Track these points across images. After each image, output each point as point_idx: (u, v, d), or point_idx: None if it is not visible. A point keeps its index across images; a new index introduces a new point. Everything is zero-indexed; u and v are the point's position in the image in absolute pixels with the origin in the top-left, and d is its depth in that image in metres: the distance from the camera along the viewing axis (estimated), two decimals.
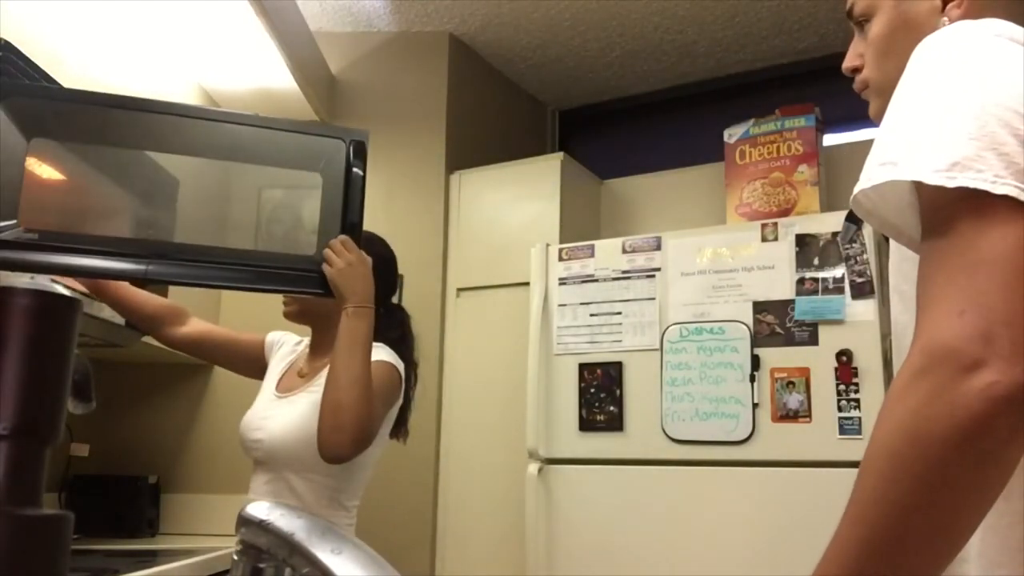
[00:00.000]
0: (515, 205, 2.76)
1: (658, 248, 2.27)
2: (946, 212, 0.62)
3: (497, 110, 3.29)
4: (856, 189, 0.69)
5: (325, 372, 1.65)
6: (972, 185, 0.60)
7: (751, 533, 2.00)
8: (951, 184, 0.61)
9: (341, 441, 1.55)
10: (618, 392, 2.24)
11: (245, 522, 0.54)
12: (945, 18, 0.83)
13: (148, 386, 2.74)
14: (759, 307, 2.09)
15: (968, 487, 0.58)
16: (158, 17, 2.22)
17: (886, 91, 0.80)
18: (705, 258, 2.20)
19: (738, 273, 2.14)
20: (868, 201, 0.70)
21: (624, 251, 2.32)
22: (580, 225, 2.79)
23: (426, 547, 2.61)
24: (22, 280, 0.52)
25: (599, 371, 2.27)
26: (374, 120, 2.93)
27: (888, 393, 0.63)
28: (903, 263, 0.82)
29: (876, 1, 0.91)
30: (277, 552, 0.51)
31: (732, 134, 2.49)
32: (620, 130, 3.53)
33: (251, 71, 2.52)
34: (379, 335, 1.73)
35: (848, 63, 0.97)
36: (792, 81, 3.14)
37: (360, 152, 1.49)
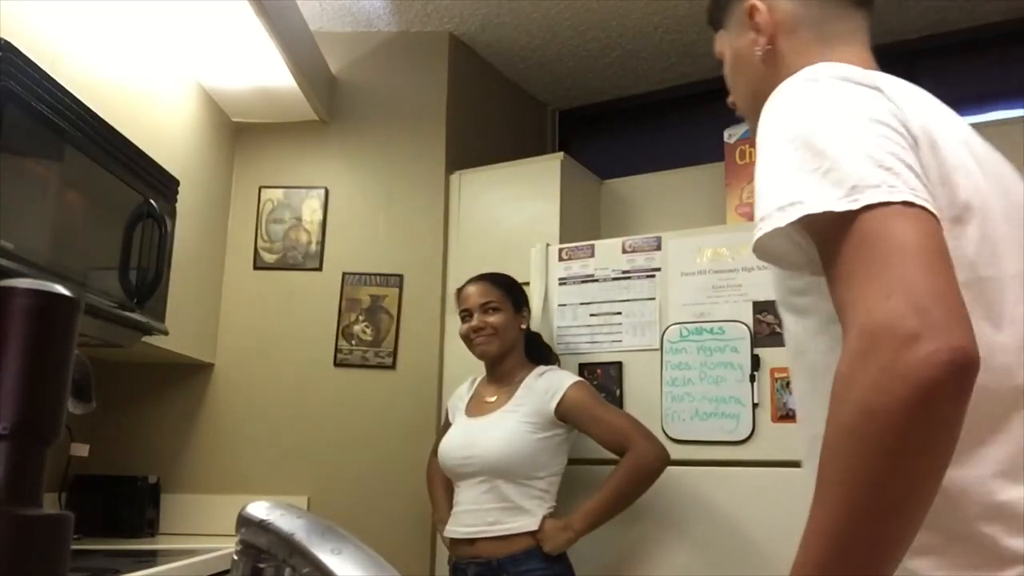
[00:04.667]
0: (515, 205, 2.76)
1: (658, 248, 2.27)
2: (854, 225, 0.69)
3: (497, 110, 3.29)
4: (767, 228, 0.74)
5: (515, 395, 2.10)
6: (876, 200, 0.68)
7: (751, 533, 2.00)
8: (856, 206, 0.68)
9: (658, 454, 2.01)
10: (618, 392, 2.24)
11: (245, 522, 0.54)
12: (758, 48, 1.00)
13: (148, 386, 2.74)
14: (759, 307, 2.09)
15: (927, 450, 0.63)
16: (158, 17, 2.22)
17: (746, 112, 1.05)
18: (705, 258, 2.20)
19: (738, 273, 2.14)
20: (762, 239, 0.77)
21: (624, 251, 2.32)
22: (580, 225, 2.79)
23: (426, 547, 2.61)
24: (22, 280, 0.52)
25: (599, 371, 2.27)
26: (374, 120, 2.93)
27: (835, 381, 0.66)
28: (787, 279, 0.88)
29: (723, 46, 1.10)
30: (277, 552, 0.51)
31: (732, 134, 2.49)
32: (620, 130, 3.53)
33: (251, 71, 2.52)
34: (544, 360, 2.22)
35: (731, 98, 1.12)
36: None
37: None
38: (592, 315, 2.33)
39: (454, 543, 2.09)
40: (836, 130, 0.75)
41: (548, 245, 2.44)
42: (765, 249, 0.79)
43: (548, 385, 2.08)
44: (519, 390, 2.11)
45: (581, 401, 2.05)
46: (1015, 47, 2.85)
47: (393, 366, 2.75)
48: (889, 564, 0.65)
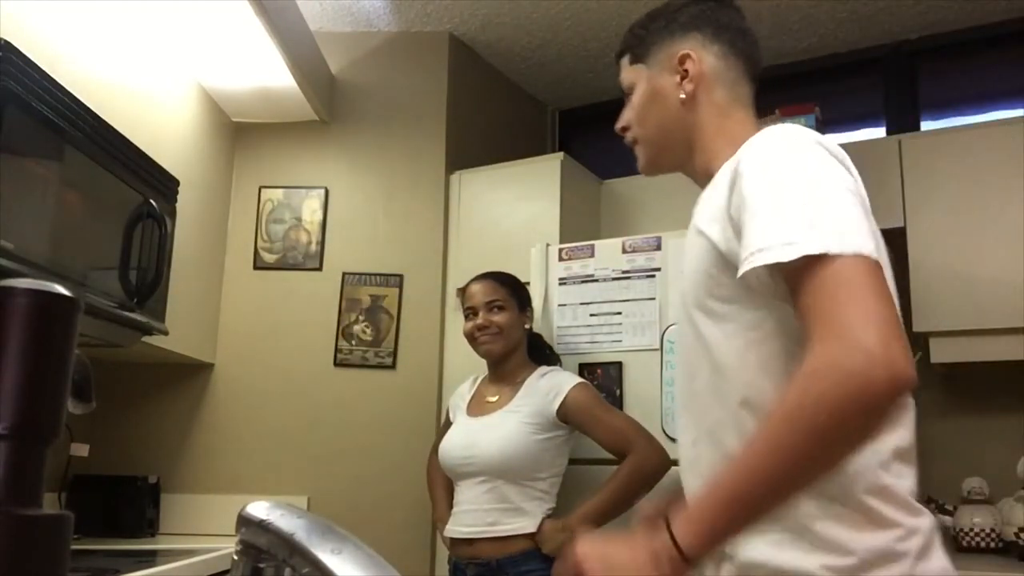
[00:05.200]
0: (515, 205, 2.76)
1: (658, 248, 2.27)
2: (836, 265, 0.87)
3: (497, 110, 3.29)
4: (770, 259, 0.90)
5: (517, 395, 2.08)
6: (856, 251, 0.88)
7: None
8: (848, 251, 0.87)
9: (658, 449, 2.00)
10: (618, 392, 2.24)
11: (245, 522, 0.54)
12: (683, 92, 1.17)
13: (148, 386, 2.74)
14: None
15: (858, 443, 0.85)
16: (158, 17, 2.22)
17: (649, 145, 1.23)
18: None
19: None
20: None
21: (624, 251, 2.32)
22: (580, 225, 2.79)
23: (426, 547, 2.61)
24: (22, 280, 0.52)
25: (599, 371, 2.27)
26: (374, 120, 2.93)
27: (808, 371, 0.84)
28: (714, 287, 1.03)
29: (636, 77, 1.23)
30: (277, 552, 0.51)
31: None
32: None
33: (251, 71, 2.52)
34: (545, 360, 2.21)
35: (619, 124, 1.26)
36: (792, 81, 3.14)
37: None
38: (592, 315, 2.33)
39: (454, 543, 2.09)
40: (826, 193, 0.94)
41: (548, 245, 2.44)
42: (751, 272, 0.94)
43: (550, 386, 2.08)
44: (521, 390, 2.10)
45: (583, 403, 2.04)
46: (1015, 47, 2.85)
47: (393, 366, 2.75)
48: (788, 502, 0.89)
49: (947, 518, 2.44)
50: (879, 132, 2.96)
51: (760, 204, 0.95)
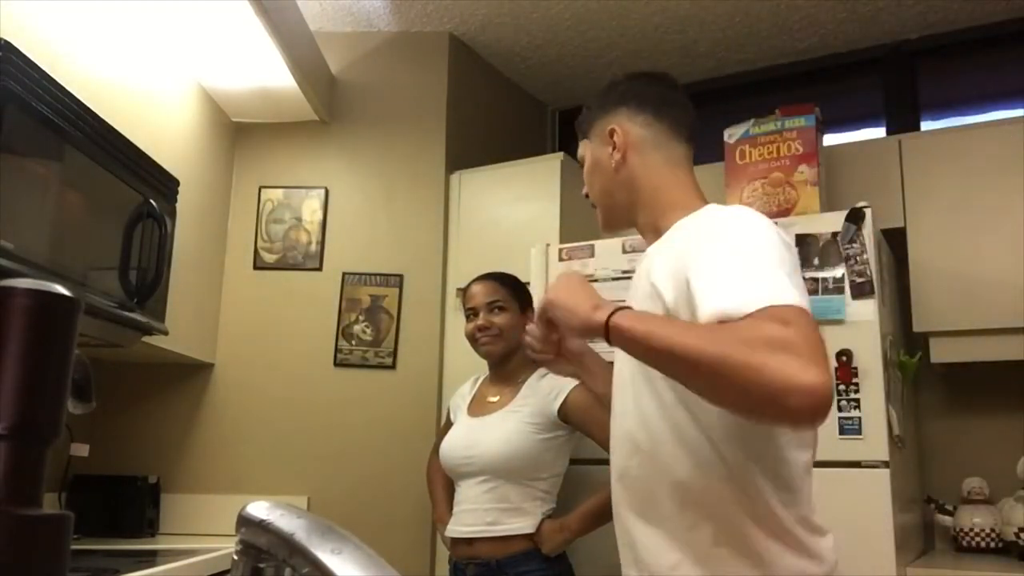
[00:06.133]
0: (515, 205, 2.76)
1: None
2: (795, 311, 1.02)
3: (497, 110, 3.29)
4: (750, 309, 1.02)
5: (519, 395, 2.08)
6: (804, 305, 1.04)
7: None
8: (805, 304, 1.05)
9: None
10: None
11: (245, 522, 0.54)
12: (613, 160, 1.36)
13: (148, 386, 2.74)
14: None
15: (749, 413, 1.05)
16: (158, 17, 2.22)
17: (601, 207, 1.43)
18: None
19: None
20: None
21: (624, 251, 2.31)
22: (580, 225, 2.78)
23: (426, 547, 2.61)
24: (22, 280, 0.52)
25: None
26: (374, 120, 2.93)
27: (780, 353, 0.96)
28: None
29: (585, 151, 1.44)
30: (277, 552, 0.51)
31: (732, 134, 2.48)
32: None
33: (251, 71, 2.52)
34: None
35: (584, 190, 1.47)
36: (792, 81, 3.14)
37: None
38: None
39: (454, 543, 2.08)
40: (786, 261, 1.11)
41: (548, 245, 2.44)
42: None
43: (551, 386, 2.07)
44: (522, 390, 2.10)
45: (584, 403, 2.04)
46: (1015, 47, 2.85)
47: (393, 366, 2.75)
48: (675, 375, 1.08)
49: (947, 518, 2.44)
50: (879, 132, 2.96)
51: (712, 270, 1.11)
